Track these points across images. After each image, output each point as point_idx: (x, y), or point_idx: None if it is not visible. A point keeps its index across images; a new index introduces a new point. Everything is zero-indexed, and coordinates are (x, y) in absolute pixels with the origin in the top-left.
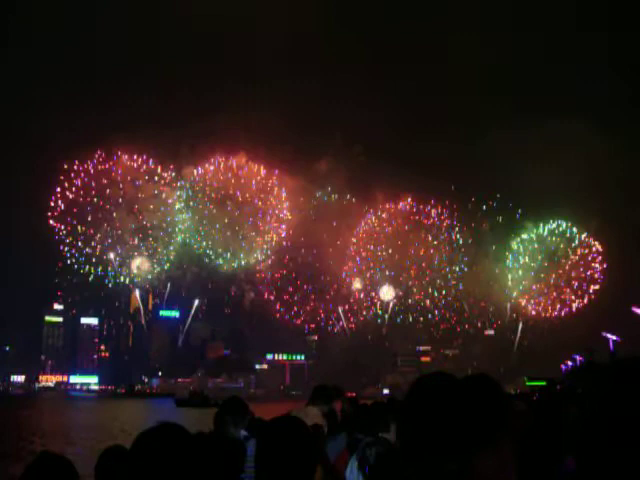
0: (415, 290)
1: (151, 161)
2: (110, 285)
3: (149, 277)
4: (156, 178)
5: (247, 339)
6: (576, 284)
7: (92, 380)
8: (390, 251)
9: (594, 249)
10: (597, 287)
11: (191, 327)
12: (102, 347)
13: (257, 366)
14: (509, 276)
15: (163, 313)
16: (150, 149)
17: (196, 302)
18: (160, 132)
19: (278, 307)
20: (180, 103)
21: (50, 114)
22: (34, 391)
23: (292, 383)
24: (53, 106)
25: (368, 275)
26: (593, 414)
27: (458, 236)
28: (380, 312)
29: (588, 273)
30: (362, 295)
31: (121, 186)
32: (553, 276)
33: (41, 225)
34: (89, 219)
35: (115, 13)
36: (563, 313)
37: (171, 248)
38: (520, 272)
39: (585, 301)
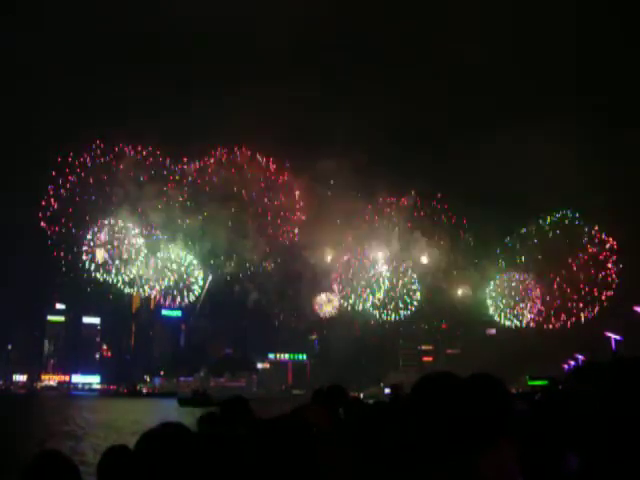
0: (418, 293)
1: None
2: (112, 284)
3: (151, 274)
4: (165, 172)
5: (249, 338)
6: (586, 289)
7: (94, 379)
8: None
9: (607, 246)
10: (611, 293)
11: (193, 326)
12: (104, 346)
13: (259, 365)
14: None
15: (165, 312)
16: (153, 142)
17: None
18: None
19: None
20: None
21: (50, 105)
22: (36, 390)
23: (294, 382)
24: (52, 98)
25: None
26: (595, 413)
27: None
28: (380, 312)
29: (601, 275)
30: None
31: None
32: (557, 279)
33: (39, 224)
34: (87, 218)
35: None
36: (569, 324)
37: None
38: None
39: (596, 310)
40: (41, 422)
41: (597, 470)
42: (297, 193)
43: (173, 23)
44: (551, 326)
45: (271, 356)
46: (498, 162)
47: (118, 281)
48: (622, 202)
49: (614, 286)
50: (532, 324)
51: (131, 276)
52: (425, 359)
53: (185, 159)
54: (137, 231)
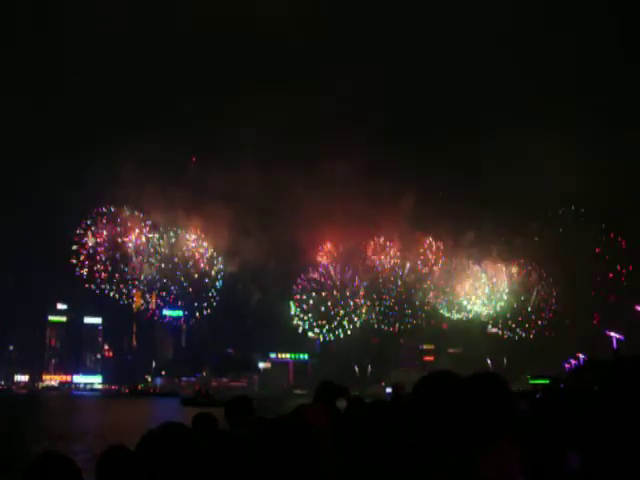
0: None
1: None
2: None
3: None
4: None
5: (251, 338)
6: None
7: (96, 379)
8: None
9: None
10: (614, 297)
11: (195, 326)
12: (106, 346)
13: (261, 365)
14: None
15: (167, 312)
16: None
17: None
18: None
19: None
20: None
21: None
22: (37, 390)
23: (296, 382)
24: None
25: None
26: (596, 412)
27: None
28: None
29: (611, 275)
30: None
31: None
32: (560, 277)
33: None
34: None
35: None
36: (570, 323)
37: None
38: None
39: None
40: (42, 422)
41: (599, 469)
42: None
43: None
44: (552, 325)
45: (272, 356)
46: (498, 162)
47: (118, 281)
48: (622, 202)
49: (620, 286)
50: (533, 324)
51: (131, 276)
52: (426, 358)
53: None
54: (138, 231)
